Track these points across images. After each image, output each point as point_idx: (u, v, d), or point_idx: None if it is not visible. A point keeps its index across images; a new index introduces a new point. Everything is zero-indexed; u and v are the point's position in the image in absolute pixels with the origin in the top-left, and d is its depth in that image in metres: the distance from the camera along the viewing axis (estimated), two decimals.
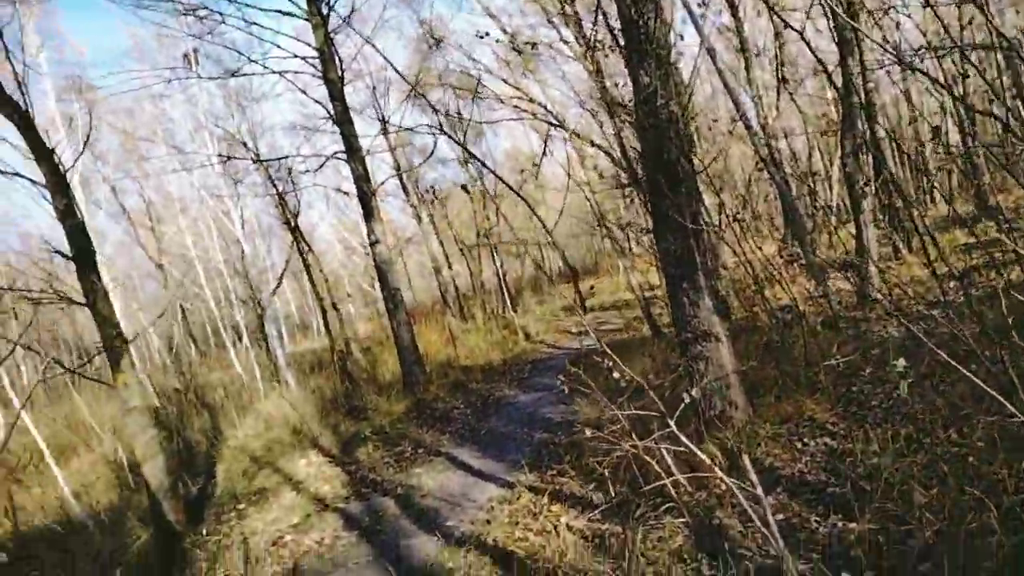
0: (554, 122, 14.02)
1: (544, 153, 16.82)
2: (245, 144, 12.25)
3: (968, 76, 13.84)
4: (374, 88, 15.55)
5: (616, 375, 3.51)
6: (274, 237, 25.36)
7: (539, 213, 28.21)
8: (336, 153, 10.57)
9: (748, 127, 8.51)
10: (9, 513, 7.74)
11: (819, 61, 10.59)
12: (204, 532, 6.33)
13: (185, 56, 13.25)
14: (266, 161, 11.46)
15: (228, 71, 10.65)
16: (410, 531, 5.30)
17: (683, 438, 2.86)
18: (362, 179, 10.30)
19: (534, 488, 5.29)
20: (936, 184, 13.83)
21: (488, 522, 4.93)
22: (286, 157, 11.04)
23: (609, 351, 3.64)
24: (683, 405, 3.25)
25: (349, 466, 7.69)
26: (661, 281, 14.86)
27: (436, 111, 11.59)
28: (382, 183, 10.88)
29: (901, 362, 3.38)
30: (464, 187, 9.68)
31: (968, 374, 2.92)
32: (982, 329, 4.18)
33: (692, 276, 4.72)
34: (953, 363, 2.99)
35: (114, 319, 6.35)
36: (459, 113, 16.62)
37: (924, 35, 11.41)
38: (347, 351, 14.13)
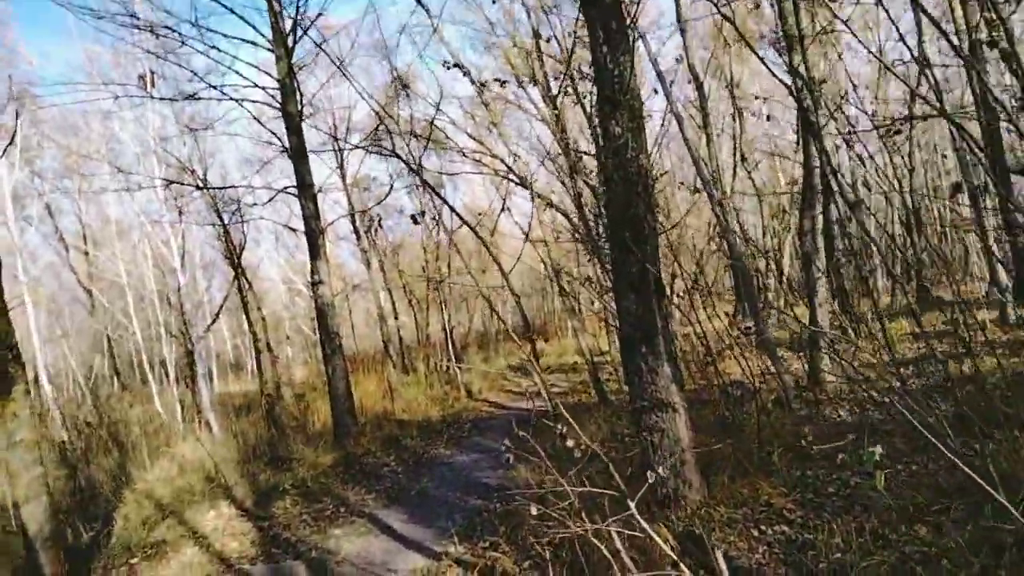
0: (514, 179, 13.88)
1: (503, 208, 16.66)
2: (193, 172, 11.66)
3: (914, 170, 14.40)
4: (334, 127, 15.23)
5: (570, 443, 3.09)
6: (216, 271, 24.44)
7: (493, 274, 28.07)
8: (287, 188, 10.13)
9: (711, 196, 8.45)
10: None
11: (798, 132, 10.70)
12: None
13: (141, 77, 12.73)
14: (213, 189, 10.89)
15: (184, 93, 10.17)
16: None
17: (644, 525, 2.45)
18: (312, 216, 9.83)
19: (463, 562, 4.76)
20: (884, 269, 14.11)
21: None
22: (234, 187, 10.50)
23: (566, 414, 3.24)
24: (646, 486, 2.84)
25: (262, 522, 6.96)
26: (610, 347, 14.64)
27: (395, 154, 11.26)
28: (332, 222, 10.41)
29: (878, 449, 3.06)
30: (413, 217, 9.27)
31: (954, 459, 2.63)
32: (944, 416, 3.93)
33: (652, 340, 4.39)
34: (938, 446, 2.70)
35: (11, 339, 5.64)
36: (419, 164, 16.38)
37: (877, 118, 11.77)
38: (277, 395, 13.30)
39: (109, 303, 18.84)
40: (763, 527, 4.08)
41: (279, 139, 9.95)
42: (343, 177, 16.19)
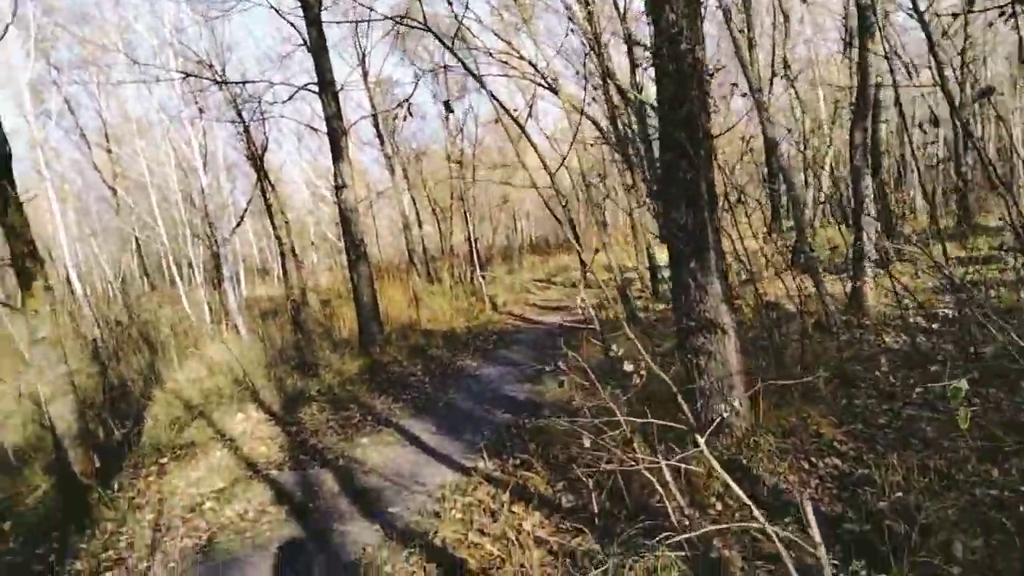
0: (542, 83, 13.17)
1: (529, 115, 15.91)
2: (211, 66, 11.09)
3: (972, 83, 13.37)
4: (356, 26, 14.38)
5: (628, 366, 2.77)
6: (239, 174, 24.10)
7: (518, 181, 27.39)
8: (308, 84, 9.58)
9: (758, 103, 7.82)
10: None
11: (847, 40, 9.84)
12: (116, 486, 5.50)
13: None
14: (231, 83, 10.35)
15: None
16: (347, 513, 4.56)
17: (714, 463, 2.15)
18: (333, 116, 9.34)
19: (493, 479, 4.59)
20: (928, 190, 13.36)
21: (438, 515, 4.21)
22: (253, 82, 9.95)
23: (631, 333, 2.93)
24: (717, 420, 2.54)
25: (290, 427, 6.90)
26: (638, 262, 14.24)
27: (428, 29, 10.57)
28: (354, 123, 9.91)
29: (964, 384, 2.71)
30: (447, 104, 8.68)
31: None
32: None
33: (703, 254, 4.01)
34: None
35: (27, 234, 5.40)
36: (444, 65, 15.59)
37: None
38: (303, 301, 13.21)
39: (134, 203, 18.65)
40: (813, 459, 3.81)
41: (298, 31, 9.31)
42: (365, 76, 15.45)
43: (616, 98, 12.66)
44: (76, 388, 5.70)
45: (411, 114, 6.50)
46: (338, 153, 9.40)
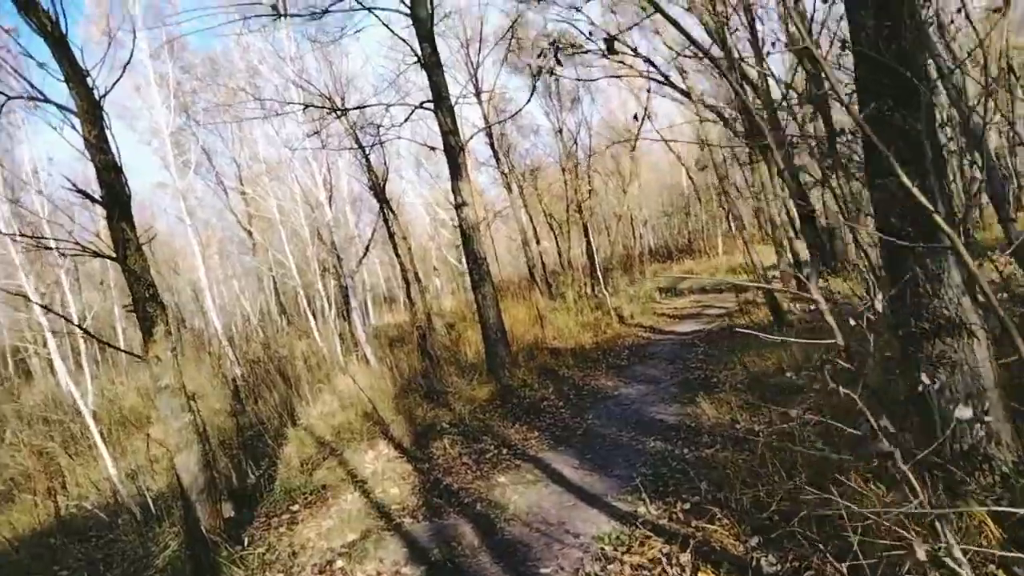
0: (659, 78, 12.21)
1: (646, 113, 15.00)
2: (330, 98, 11.05)
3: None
4: (467, 42, 14.06)
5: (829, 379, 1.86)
6: (363, 206, 24.67)
7: (633, 189, 26.30)
8: (424, 103, 9.17)
9: None
10: (53, 494, 6.80)
11: None
12: (247, 541, 5.09)
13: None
14: (348, 110, 10.18)
15: (313, 8, 9.40)
16: (491, 574, 3.83)
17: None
18: (450, 132, 8.87)
19: (662, 530, 3.70)
20: None
21: None
22: (369, 105, 9.73)
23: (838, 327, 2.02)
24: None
25: (422, 463, 6.33)
26: (779, 260, 12.78)
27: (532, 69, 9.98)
28: (471, 136, 9.39)
29: None
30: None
31: None
32: None
33: (932, 235, 2.96)
34: None
35: (148, 277, 5.15)
36: (553, 71, 14.93)
37: None
38: (429, 327, 12.87)
39: (267, 242, 19.35)
40: None
41: (411, 47, 8.95)
42: (477, 93, 15.10)
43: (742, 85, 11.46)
44: (204, 437, 5.39)
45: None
46: (456, 170, 8.91)
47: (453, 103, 9.09)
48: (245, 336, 18.61)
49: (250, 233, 20.26)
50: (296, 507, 5.71)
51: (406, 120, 9.65)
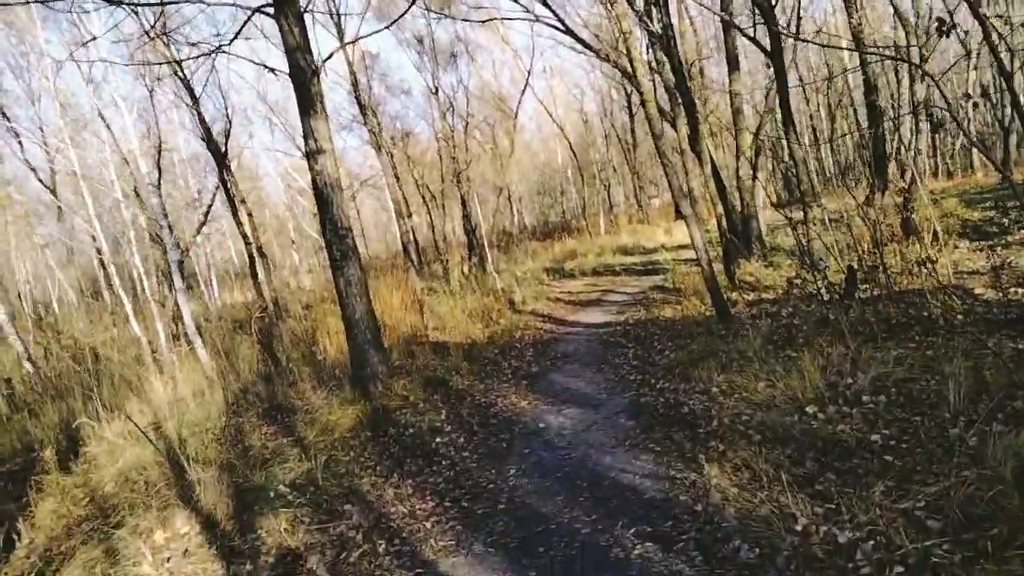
0: (559, 25, 9.83)
1: (532, 68, 12.71)
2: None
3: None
4: None
5: None
6: (206, 167, 20.71)
7: (510, 163, 24.09)
8: (262, 6, 6.25)
9: None
10: None
11: None
12: None
13: None
14: (151, 4, 6.95)
15: None
16: None
17: None
18: (298, 49, 6.04)
19: None
20: None
21: None
22: (178, 0, 6.55)
23: None
24: None
25: (239, 562, 3.67)
26: (721, 242, 10.95)
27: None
28: (329, 56, 6.52)
29: None
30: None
31: None
32: None
33: None
34: None
35: None
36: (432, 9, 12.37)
37: None
38: (277, 315, 9.90)
39: (76, 207, 15.11)
40: None
41: None
42: (341, 38, 12.05)
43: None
44: None
45: None
46: (308, 102, 6.09)
47: (304, 8, 6.24)
48: (43, 321, 14.27)
49: (53, 192, 15.82)
50: None
51: (238, 33, 6.63)
